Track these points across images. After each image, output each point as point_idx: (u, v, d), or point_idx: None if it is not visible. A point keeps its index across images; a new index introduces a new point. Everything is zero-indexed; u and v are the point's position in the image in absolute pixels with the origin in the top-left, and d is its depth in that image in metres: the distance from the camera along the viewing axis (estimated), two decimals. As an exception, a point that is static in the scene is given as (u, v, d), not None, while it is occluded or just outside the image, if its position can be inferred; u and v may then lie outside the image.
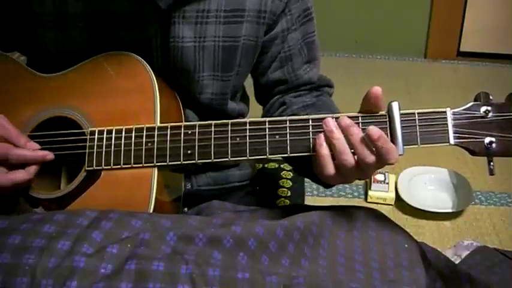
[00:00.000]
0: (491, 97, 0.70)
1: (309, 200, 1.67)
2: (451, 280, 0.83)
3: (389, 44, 2.65)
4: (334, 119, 0.70)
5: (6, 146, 0.75)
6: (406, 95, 2.31)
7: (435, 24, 2.57)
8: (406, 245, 0.75)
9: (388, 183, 1.69)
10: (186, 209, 0.93)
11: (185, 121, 0.86)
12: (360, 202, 1.70)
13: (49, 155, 0.78)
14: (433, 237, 1.55)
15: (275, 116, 0.89)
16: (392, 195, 1.68)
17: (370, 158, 0.67)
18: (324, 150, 0.70)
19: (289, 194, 1.32)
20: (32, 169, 0.77)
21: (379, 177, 1.69)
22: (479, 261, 1.21)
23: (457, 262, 1.25)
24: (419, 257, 0.74)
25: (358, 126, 0.70)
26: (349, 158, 0.68)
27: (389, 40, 2.64)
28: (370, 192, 1.68)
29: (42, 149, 0.78)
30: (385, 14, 2.59)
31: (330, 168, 0.70)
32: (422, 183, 1.74)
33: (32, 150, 0.77)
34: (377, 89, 0.69)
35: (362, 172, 0.70)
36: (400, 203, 1.67)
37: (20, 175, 0.75)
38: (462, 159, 1.82)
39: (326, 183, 0.76)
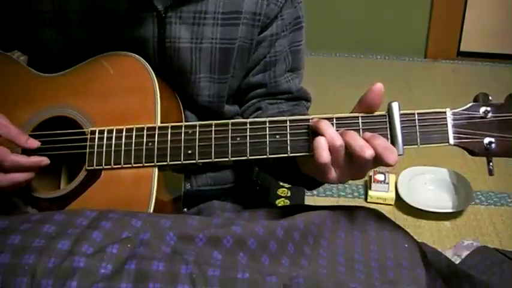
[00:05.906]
0: (490, 98, 0.70)
1: (309, 200, 1.67)
2: (451, 280, 0.84)
3: (389, 44, 2.65)
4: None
5: (2, 151, 0.75)
6: (406, 95, 2.31)
7: (435, 24, 2.57)
8: (406, 245, 0.75)
9: (388, 183, 1.69)
10: (185, 209, 0.93)
11: (185, 121, 0.86)
12: (360, 202, 1.70)
13: (44, 161, 0.76)
14: (433, 237, 1.54)
15: None
16: (392, 195, 1.68)
17: (368, 152, 0.66)
18: (326, 158, 0.68)
19: (289, 194, 1.33)
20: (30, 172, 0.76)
21: (379, 177, 1.69)
22: (479, 261, 1.21)
23: (457, 262, 1.25)
24: (419, 257, 0.74)
25: (358, 126, 0.70)
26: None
27: (389, 40, 2.64)
28: (370, 192, 1.68)
29: (42, 148, 0.78)
30: (385, 14, 2.59)
31: (333, 173, 0.69)
32: (422, 183, 1.73)
33: (27, 157, 0.76)
34: (379, 86, 0.69)
35: (357, 170, 0.69)
36: (400, 203, 1.67)
37: (18, 176, 0.75)
38: (462, 159, 1.82)
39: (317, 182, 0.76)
